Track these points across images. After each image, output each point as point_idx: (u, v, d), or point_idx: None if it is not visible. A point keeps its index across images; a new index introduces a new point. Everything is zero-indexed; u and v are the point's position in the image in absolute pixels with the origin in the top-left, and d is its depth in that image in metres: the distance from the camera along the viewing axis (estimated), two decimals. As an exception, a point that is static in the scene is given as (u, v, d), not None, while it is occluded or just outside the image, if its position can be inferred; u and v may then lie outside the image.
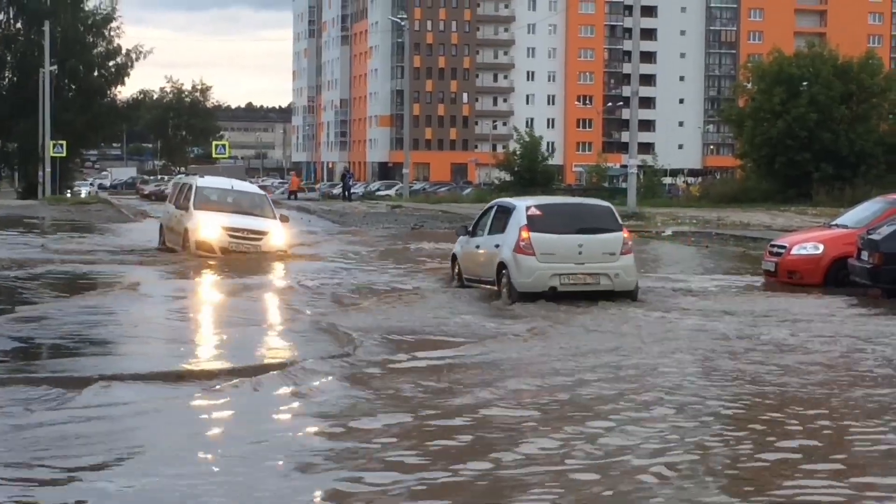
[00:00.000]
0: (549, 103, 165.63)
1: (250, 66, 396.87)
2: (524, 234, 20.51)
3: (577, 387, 12.41)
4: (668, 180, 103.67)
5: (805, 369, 13.70)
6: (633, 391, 12.24)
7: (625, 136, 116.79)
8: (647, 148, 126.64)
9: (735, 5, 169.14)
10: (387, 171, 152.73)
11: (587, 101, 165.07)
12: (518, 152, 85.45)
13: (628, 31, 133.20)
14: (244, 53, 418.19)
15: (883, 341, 15.93)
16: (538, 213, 21.04)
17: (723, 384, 12.76)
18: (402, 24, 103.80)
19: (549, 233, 20.69)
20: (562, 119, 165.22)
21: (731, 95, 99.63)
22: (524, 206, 21.47)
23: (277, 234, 29.32)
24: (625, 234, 21.20)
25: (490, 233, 22.03)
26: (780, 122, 70.88)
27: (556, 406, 11.41)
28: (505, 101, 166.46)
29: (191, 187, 30.46)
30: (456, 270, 23.41)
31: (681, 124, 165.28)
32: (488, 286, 21.54)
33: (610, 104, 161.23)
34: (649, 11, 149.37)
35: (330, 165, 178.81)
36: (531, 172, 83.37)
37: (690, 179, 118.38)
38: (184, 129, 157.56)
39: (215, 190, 30.96)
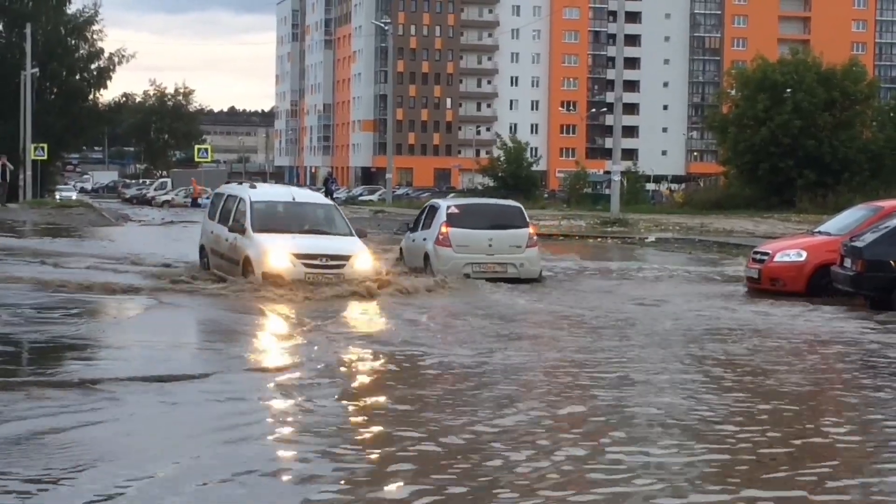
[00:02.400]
0: (532, 109, 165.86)
1: (233, 70, 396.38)
2: (443, 229, 24.75)
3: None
4: (651, 186, 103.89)
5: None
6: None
7: (608, 142, 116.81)
8: (630, 154, 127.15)
9: (719, 12, 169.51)
10: (370, 176, 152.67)
11: (571, 107, 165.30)
12: (502, 158, 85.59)
13: (612, 37, 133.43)
14: (227, 57, 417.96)
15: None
16: (456, 211, 25.29)
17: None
18: (386, 28, 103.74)
19: (464, 228, 24.84)
20: (545, 125, 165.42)
21: (714, 102, 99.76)
22: (445, 205, 25.88)
23: (363, 257, 22.58)
24: (531, 230, 25.29)
25: (422, 228, 26.08)
26: (763, 128, 71.13)
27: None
28: (489, 106, 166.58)
29: (242, 201, 23.77)
30: (402, 260, 27.35)
31: (664, 130, 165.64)
32: (420, 273, 24.91)
33: (594, 110, 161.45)
34: (633, 18, 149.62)
35: (313, 170, 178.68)
36: (515, 178, 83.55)
37: (674, 186, 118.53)
38: (166, 132, 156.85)
39: (274, 204, 24.39)
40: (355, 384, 13.00)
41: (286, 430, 10.42)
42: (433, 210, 26.26)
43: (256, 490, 8.45)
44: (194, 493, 8.33)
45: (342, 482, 8.69)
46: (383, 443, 9.90)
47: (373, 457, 9.48)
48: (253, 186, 25.34)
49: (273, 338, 16.85)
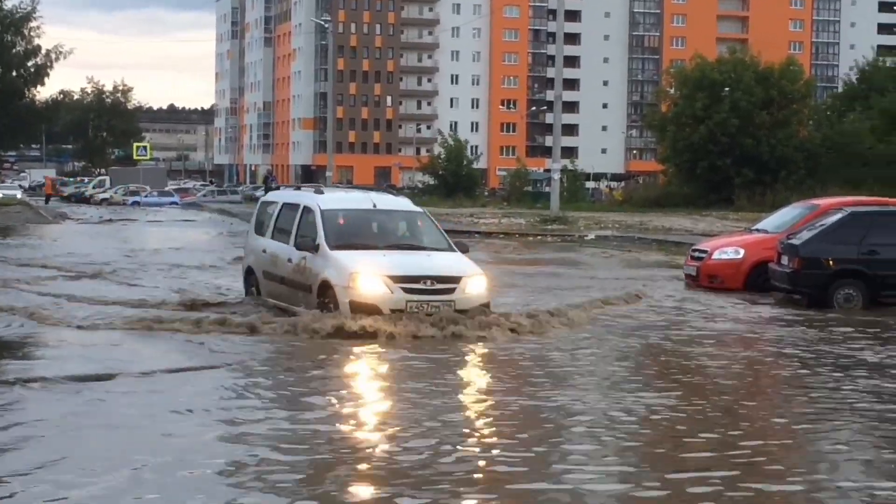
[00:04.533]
0: (473, 107, 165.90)
1: (172, 68, 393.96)
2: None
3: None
4: (591, 184, 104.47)
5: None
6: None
7: (548, 141, 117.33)
8: (570, 152, 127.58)
9: (658, 11, 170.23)
10: (310, 174, 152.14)
11: (511, 105, 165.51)
12: (442, 156, 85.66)
13: (552, 35, 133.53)
14: (166, 54, 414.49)
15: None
16: None
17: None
18: (326, 26, 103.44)
19: None
20: (486, 123, 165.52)
21: (654, 100, 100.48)
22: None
23: (477, 279, 17.52)
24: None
25: None
26: (702, 127, 71.82)
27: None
28: (429, 104, 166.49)
29: (308, 210, 18.82)
30: None
31: (604, 129, 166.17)
32: None
33: (534, 108, 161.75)
34: (573, 16, 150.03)
35: (253, 168, 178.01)
36: (455, 176, 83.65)
37: (613, 184, 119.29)
38: (105, 130, 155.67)
39: (351, 212, 19.21)
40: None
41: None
42: None
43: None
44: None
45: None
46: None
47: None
48: (319, 191, 20.15)
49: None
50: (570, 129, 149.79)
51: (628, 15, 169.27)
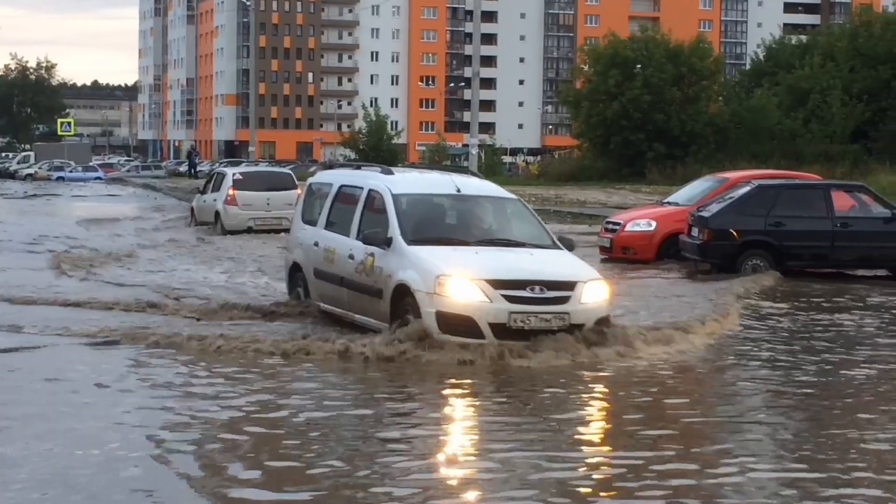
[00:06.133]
0: (393, 83, 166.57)
1: (96, 45, 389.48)
2: (230, 192, 30.74)
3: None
4: (508, 159, 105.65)
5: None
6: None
7: (467, 116, 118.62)
8: (488, 127, 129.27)
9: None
10: (233, 150, 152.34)
11: (430, 82, 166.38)
12: (364, 131, 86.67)
13: (470, 13, 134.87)
14: (90, 31, 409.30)
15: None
16: (241, 177, 31.51)
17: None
18: (248, 3, 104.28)
19: (247, 190, 30.95)
20: (405, 99, 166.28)
21: (568, 77, 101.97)
22: (231, 172, 32.20)
23: (595, 285, 13.34)
24: (298, 191, 27.93)
25: (212, 191, 32.23)
26: (615, 103, 73.08)
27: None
28: (350, 80, 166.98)
29: (374, 196, 14.76)
30: (193, 218, 33.96)
31: (521, 105, 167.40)
32: (211, 226, 31.25)
33: (452, 84, 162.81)
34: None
35: (176, 144, 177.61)
36: (376, 151, 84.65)
37: (530, 158, 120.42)
38: (29, 106, 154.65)
39: (431, 199, 15.03)
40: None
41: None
42: (221, 176, 32.49)
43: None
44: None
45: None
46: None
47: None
48: (388, 171, 15.41)
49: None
50: (488, 105, 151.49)
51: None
